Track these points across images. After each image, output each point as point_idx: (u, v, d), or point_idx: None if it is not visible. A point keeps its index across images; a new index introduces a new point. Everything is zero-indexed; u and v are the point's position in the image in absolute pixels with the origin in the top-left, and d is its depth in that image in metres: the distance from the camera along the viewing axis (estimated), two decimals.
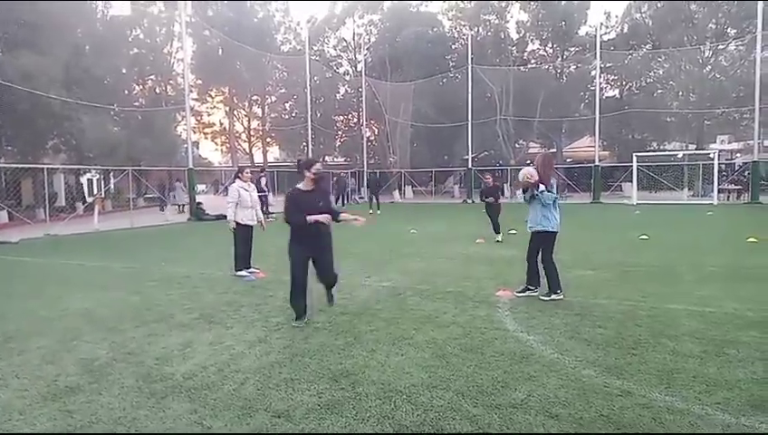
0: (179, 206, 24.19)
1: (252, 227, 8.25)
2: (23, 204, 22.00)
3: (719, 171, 25.28)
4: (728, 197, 26.32)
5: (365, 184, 33.17)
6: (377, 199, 23.49)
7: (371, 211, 22.51)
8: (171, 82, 35.56)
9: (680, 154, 31.66)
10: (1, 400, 3.67)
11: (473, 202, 29.64)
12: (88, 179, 32.53)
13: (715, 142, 33.17)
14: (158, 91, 34.96)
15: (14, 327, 5.46)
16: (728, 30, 32.83)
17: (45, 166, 19.86)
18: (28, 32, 19.81)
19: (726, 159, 32.69)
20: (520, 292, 6.50)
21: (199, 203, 21.54)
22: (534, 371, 4.01)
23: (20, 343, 4.94)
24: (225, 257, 9.34)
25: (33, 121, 20.64)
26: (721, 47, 32.44)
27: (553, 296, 6.21)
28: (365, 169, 35.15)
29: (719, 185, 25.24)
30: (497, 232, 12.21)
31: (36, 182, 22.06)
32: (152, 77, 34.74)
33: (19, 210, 19.89)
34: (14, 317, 5.90)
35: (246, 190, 8.13)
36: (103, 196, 26.52)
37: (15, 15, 19.76)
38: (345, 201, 27.49)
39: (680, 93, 34.35)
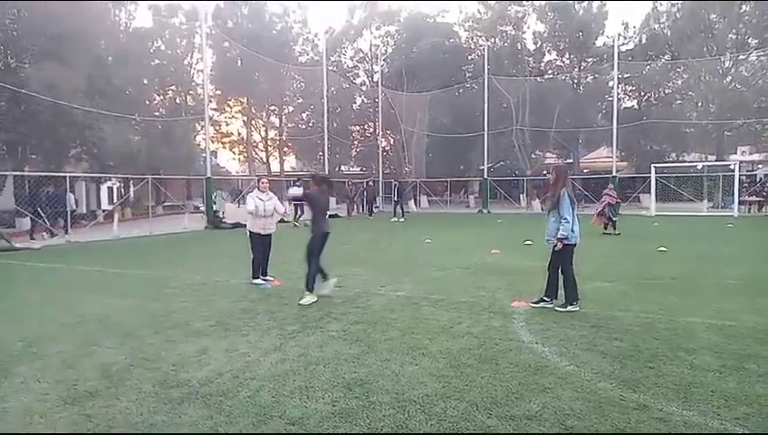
0: (222, 212, 24.59)
1: (268, 235, 8.31)
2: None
3: (740, 183, 24.88)
4: (749, 209, 25.82)
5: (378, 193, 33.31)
6: (401, 207, 24.36)
7: (395, 219, 22.76)
8: (191, 92, 36.12)
9: (700, 165, 31.25)
10: (23, 403, 3.75)
11: (488, 212, 29.55)
12: (108, 187, 33.08)
13: (735, 153, 32.68)
14: (178, 101, 35.53)
15: (35, 332, 5.57)
16: (749, 40, 32.40)
17: (68, 174, 20.23)
18: (53, 43, 20.30)
19: (747, 171, 32.15)
20: (535, 302, 6.47)
21: (216, 211, 21.78)
22: (549, 382, 3.98)
23: (41, 347, 5.04)
24: (241, 265, 9.44)
25: (56, 131, 21.09)
26: (742, 57, 32.01)
27: (569, 308, 6.17)
28: (380, 178, 35.25)
29: (740, 196, 24.82)
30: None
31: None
32: (172, 87, 35.32)
33: (41, 217, 20.27)
34: (35, 322, 6.02)
35: (262, 200, 8.19)
36: (123, 204, 26.93)
37: (42, 28, 20.29)
38: (371, 209, 27.10)
39: (700, 104, 33.91)
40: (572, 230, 6.20)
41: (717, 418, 3.37)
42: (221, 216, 22.17)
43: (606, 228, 15.36)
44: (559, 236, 6.19)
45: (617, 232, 15.17)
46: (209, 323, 5.89)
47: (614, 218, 15.36)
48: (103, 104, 21.68)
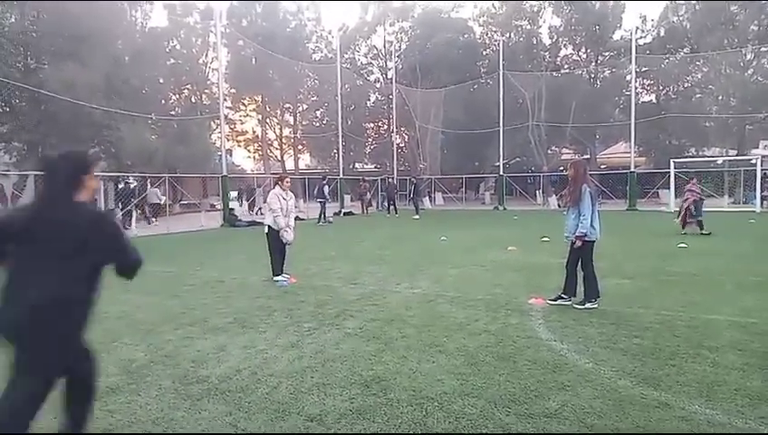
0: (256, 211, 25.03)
1: None
2: None
3: (762, 177, 24.39)
4: None
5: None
6: (415, 205, 24.65)
7: (417, 217, 22.87)
8: (206, 91, 36.43)
9: (720, 160, 30.71)
10: (47, 398, 3.80)
11: (504, 209, 29.38)
12: (126, 183, 33.50)
13: (757, 147, 32.01)
14: (193, 100, 35.82)
15: None
16: None
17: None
18: (72, 44, 20.60)
19: None
20: (553, 300, 6.41)
21: (232, 209, 21.96)
22: (568, 380, 3.95)
23: None
24: (257, 263, 9.51)
25: (75, 130, 21.41)
26: (764, 49, 31.32)
27: (588, 305, 6.10)
28: (395, 175, 35.23)
29: (762, 192, 24.34)
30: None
31: None
32: (188, 86, 35.65)
33: None
34: None
35: (284, 199, 8.23)
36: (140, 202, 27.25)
37: (61, 29, 20.59)
38: (395, 207, 26.41)
39: (720, 97, 33.30)
40: (593, 227, 6.13)
41: (741, 417, 3.31)
42: (236, 214, 22.41)
43: (684, 228, 14.00)
44: (577, 234, 6.13)
45: (706, 232, 13.66)
46: (227, 320, 5.94)
47: (699, 218, 13.89)
48: (121, 104, 21.96)
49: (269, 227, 8.25)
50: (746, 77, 31.75)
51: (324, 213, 21.31)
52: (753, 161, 25.27)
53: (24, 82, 19.15)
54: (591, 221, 6.12)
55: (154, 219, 21.82)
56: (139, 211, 21.27)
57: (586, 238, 6.13)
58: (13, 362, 2.54)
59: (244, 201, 30.51)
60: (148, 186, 22.02)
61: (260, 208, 24.44)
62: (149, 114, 26.27)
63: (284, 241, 8.09)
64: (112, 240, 2.82)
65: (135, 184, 21.07)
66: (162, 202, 22.70)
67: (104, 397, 3.79)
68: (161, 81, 30.12)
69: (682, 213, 14.30)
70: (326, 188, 21.69)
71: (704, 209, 14.23)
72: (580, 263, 6.30)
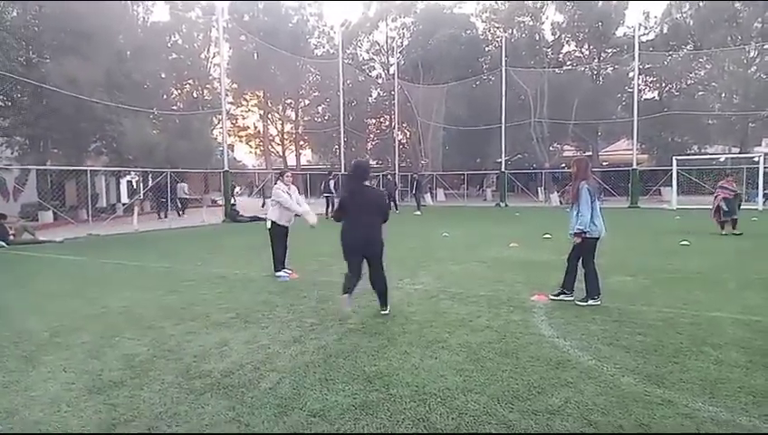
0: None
1: (288, 227, 8.37)
2: (66, 205, 22.81)
3: (765, 175, 24.32)
4: None
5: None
6: (417, 201, 25.13)
7: (419, 212, 22.87)
8: (208, 86, 36.34)
9: (723, 157, 30.63)
10: (50, 392, 3.82)
11: (506, 205, 29.35)
12: (128, 181, 33.49)
13: (760, 145, 31.96)
14: (195, 95, 35.75)
15: (59, 323, 5.67)
16: None
17: (88, 168, 20.53)
18: (74, 38, 20.53)
19: None
20: (555, 295, 6.42)
21: (233, 205, 21.95)
22: (571, 377, 3.94)
23: (65, 338, 5.13)
24: (259, 258, 9.51)
25: (76, 125, 21.38)
26: (767, 47, 31.25)
27: (590, 302, 6.10)
28: (397, 171, 35.19)
29: (764, 190, 24.27)
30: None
31: (79, 184, 22.85)
32: (190, 81, 35.54)
33: (63, 211, 20.65)
34: (59, 314, 6.12)
35: (289, 193, 8.25)
36: (142, 197, 27.24)
37: (63, 23, 20.53)
38: (395, 203, 26.66)
39: (723, 95, 33.20)
40: (594, 223, 6.11)
41: (745, 414, 3.30)
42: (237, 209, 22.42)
43: (723, 228, 13.35)
44: (575, 230, 6.12)
45: (737, 232, 13.13)
46: (229, 315, 5.94)
47: (734, 216, 13.24)
48: (123, 98, 21.91)
49: (272, 222, 8.25)
50: (749, 74, 31.63)
51: (333, 207, 21.34)
52: (756, 159, 25.19)
53: (26, 77, 19.09)
54: (592, 218, 6.10)
55: (182, 213, 23.97)
56: (171, 205, 23.34)
57: (586, 235, 6.12)
58: (350, 259, 5.66)
59: (256, 197, 30.84)
60: (178, 181, 24.21)
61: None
62: (151, 109, 26.22)
63: (310, 224, 8.00)
64: (385, 206, 5.93)
65: (167, 180, 22.60)
66: (189, 196, 24.90)
67: (108, 391, 3.80)
68: (163, 75, 30.03)
69: (714, 211, 13.67)
70: (332, 183, 21.73)
71: (724, 208, 13.33)
72: (581, 260, 6.30)
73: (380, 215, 5.73)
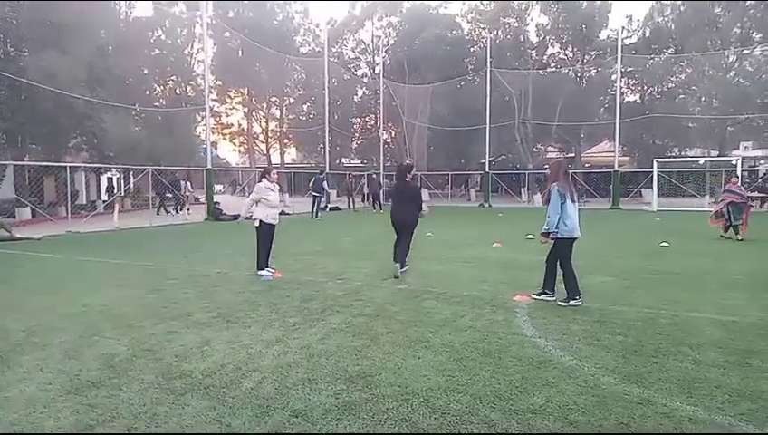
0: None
1: (274, 226, 8.32)
2: (45, 201, 22.39)
3: (742, 178, 24.82)
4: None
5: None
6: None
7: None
8: (191, 83, 35.94)
9: (702, 160, 31.17)
10: (26, 393, 3.74)
11: (489, 206, 29.52)
12: (108, 178, 33.02)
13: (738, 148, 32.56)
14: (178, 91, 35.35)
15: (36, 322, 5.56)
16: (754, 34, 32.25)
17: (68, 164, 20.16)
18: (53, 32, 20.15)
19: (750, 166, 32.08)
20: (537, 294, 6.48)
21: (216, 203, 21.76)
22: (553, 377, 3.97)
23: (43, 337, 5.03)
24: (242, 257, 9.44)
25: (56, 120, 21.00)
26: (746, 52, 31.87)
27: (572, 302, 6.15)
28: (382, 171, 35.19)
29: None
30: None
31: (59, 180, 22.46)
32: (173, 78, 35.12)
33: (42, 207, 20.26)
34: (36, 312, 6.01)
35: (272, 191, 8.20)
36: (123, 194, 26.88)
37: (42, 16, 20.14)
38: (379, 202, 26.49)
39: (703, 99, 33.80)
40: (564, 224, 6.16)
41: (722, 413, 3.36)
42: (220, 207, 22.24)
43: (726, 232, 12.94)
44: (542, 232, 6.37)
45: (739, 237, 12.62)
46: (211, 314, 5.88)
47: (735, 223, 12.68)
48: (103, 94, 21.58)
49: (260, 220, 8.19)
50: (728, 79, 32.23)
51: (319, 206, 21.22)
52: (734, 162, 25.71)
53: (3, 70, 18.69)
54: (562, 219, 6.15)
55: (183, 210, 23.85)
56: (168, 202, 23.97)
57: (558, 236, 6.19)
58: (399, 232, 8.39)
59: (239, 195, 30.72)
60: (181, 178, 24.71)
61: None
62: (133, 105, 25.89)
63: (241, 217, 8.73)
64: (419, 197, 8.26)
65: (178, 177, 24.22)
66: (190, 194, 25.02)
67: (85, 391, 3.73)
68: (145, 71, 29.67)
69: (716, 213, 13.24)
70: (326, 184, 21.64)
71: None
72: (558, 261, 6.36)
73: (415, 203, 8.16)
